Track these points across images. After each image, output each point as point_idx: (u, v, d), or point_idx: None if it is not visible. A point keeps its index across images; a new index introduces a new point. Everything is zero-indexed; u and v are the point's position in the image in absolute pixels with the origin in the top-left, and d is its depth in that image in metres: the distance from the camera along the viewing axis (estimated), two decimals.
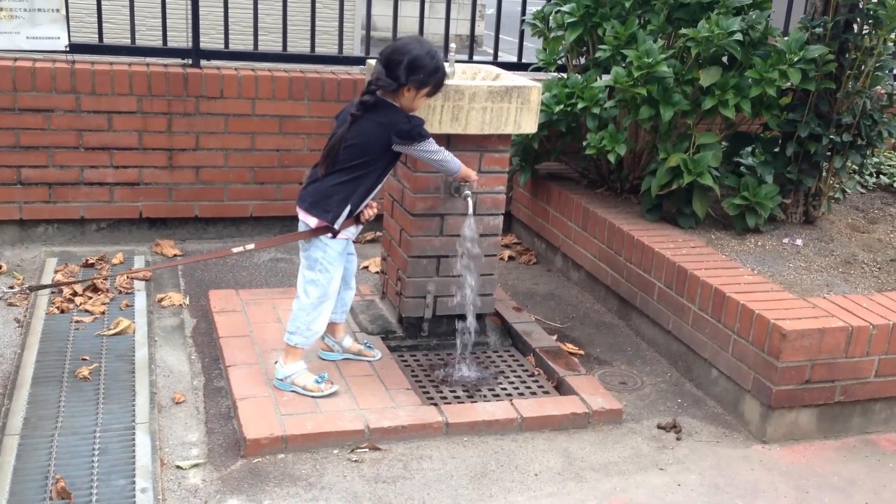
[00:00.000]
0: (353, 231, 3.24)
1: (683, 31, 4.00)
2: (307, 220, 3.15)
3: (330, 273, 3.18)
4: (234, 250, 3.26)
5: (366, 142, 3.07)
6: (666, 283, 3.70)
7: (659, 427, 3.27)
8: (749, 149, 4.41)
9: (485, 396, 3.35)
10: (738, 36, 3.89)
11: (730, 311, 3.33)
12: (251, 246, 3.29)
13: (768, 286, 3.48)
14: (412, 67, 3.03)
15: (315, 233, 3.14)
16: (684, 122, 4.16)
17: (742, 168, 4.34)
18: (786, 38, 4.00)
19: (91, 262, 4.26)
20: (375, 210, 3.25)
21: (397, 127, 3.06)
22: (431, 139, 3.15)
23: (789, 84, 3.94)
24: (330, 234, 3.14)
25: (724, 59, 4.11)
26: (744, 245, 3.97)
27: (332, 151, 3.09)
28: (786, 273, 3.68)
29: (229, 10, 4.82)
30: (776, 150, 4.24)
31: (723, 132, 4.35)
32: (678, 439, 3.20)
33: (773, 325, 3.13)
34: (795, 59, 3.87)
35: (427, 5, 5.20)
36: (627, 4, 4.26)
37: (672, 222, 4.13)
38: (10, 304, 3.79)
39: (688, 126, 4.14)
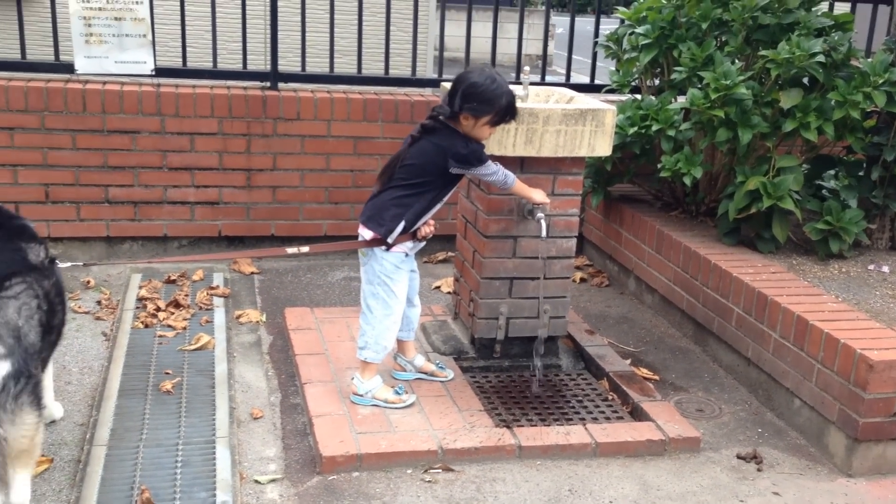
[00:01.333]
0: (409, 246, 3.27)
1: (763, 52, 3.94)
2: (363, 233, 3.23)
3: (388, 286, 3.22)
4: (289, 250, 3.32)
5: (423, 162, 3.13)
6: (745, 308, 3.63)
7: (739, 457, 3.19)
8: (832, 172, 4.31)
9: (558, 420, 3.33)
10: (821, 58, 3.81)
11: (813, 340, 3.25)
12: (305, 248, 3.34)
13: (853, 314, 3.38)
14: (466, 95, 3.05)
15: (368, 244, 3.20)
16: (763, 144, 4.09)
17: (824, 192, 4.24)
18: (869, 60, 3.91)
19: (173, 278, 4.38)
20: (433, 229, 3.28)
21: (454, 150, 3.10)
22: (490, 162, 3.18)
23: (874, 106, 3.84)
24: (384, 247, 3.19)
25: (805, 81, 4.04)
26: (827, 271, 3.87)
27: (388, 168, 3.18)
28: (872, 301, 3.58)
29: (307, 34, 4.93)
30: (860, 173, 4.13)
31: (804, 155, 4.26)
32: (759, 470, 3.13)
33: (860, 354, 3.04)
34: (880, 82, 3.78)
35: (498, 26, 5.23)
36: (704, 26, 4.22)
37: (750, 247, 4.06)
38: (98, 318, 3.92)
39: (767, 149, 4.07)
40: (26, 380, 2.34)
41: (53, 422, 3.11)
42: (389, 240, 3.16)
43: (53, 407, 3.10)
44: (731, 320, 3.73)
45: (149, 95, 4.46)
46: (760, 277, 3.69)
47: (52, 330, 2.65)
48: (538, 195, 3.35)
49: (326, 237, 4.89)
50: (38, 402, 2.38)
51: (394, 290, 3.23)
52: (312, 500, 2.79)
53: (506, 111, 3.09)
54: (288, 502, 2.77)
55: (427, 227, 3.26)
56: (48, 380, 2.92)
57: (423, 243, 3.32)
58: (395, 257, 3.23)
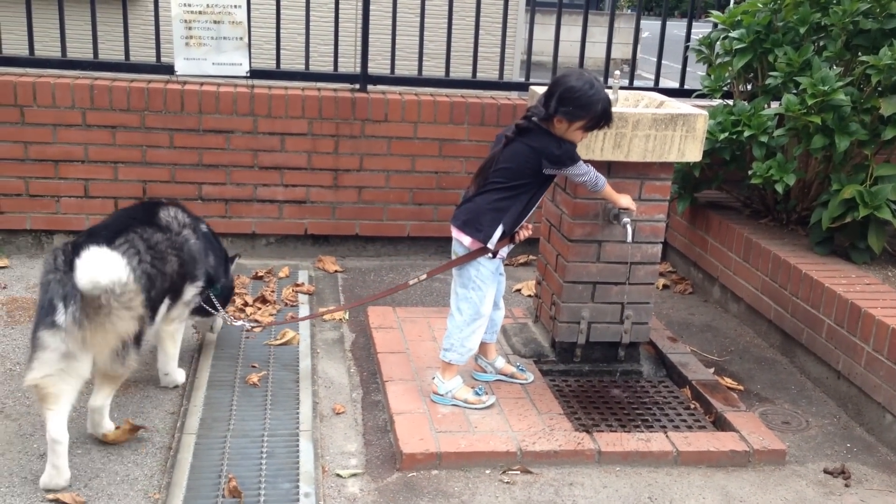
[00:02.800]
0: (504, 251, 3.28)
1: (863, 57, 3.82)
2: (460, 238, 3.23)
3: (483, 291, 3.23)
4: (411, 283, 3.47)
5: (518, 164, 3.12)
6: (836, 320, 3.53)
7: (826, 472, 3.11)
8: None
9: (638, 427, 3.30)
10: None
11: None
12: (424, 276, 3.44)
13: None
14: (562, 99, 3.03)
15: (474, 256, 3.21)
16: (860, 152, 3.96)
17: None
18: None
19: (260, 274, 4.51)
20: (529, 232, 3.28)
21: (548, 151, 3.09)
22: (581, 162, 3.16)
23: None
24: (489, 255, 3.20)
25: None
26: None
27: (483, 170, 3.18)
28: None
29: (396, 37, 5.00)
30: None
31: None
32: (847, 486, 3.03)
33: None
34: None
35: (587, 30, 5.20)
36: (802, 30, 4.11)
37: (844, 257, 3.93)
38: None
39: (864, 157, 3.94)
40: None
41: (176, 387, 3.38)
42: (490, 245, 3.17)
43: (177, 373, 3.39)
44: (821, 332, 3.63)
45: (243, 96, 4.60)
46: (854, 289, 3.57)
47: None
48: (625, 200, 3.33)
49: (409, 238, 4.95)
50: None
51: (487, 294, 3.25)
52: (392, 496, 2.84)
53: (601, 117, 3.07)
54: (368, 497, 2.83)
55: (525, 230, 3.27)
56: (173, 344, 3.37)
57: (513, 247, 3.33)
58: (494, 264, 3.24)
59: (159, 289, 3.08)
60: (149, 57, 5.00)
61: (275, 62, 4.94)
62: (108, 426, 3.00)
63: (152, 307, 3.03)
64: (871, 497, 2.98)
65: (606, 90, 3.47)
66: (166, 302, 3.17)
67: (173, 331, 3.33)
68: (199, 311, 3.44)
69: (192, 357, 3.63)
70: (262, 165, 4.71)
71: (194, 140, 4.62)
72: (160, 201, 3.40)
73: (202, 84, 4.65)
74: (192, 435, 3.05)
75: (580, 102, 3.02)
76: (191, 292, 3.31)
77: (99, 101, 4.49)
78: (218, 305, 3.46)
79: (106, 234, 2.95)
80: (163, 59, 4.84)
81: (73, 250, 2.74)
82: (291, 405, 3.29)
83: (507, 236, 3.21)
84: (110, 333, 2.69)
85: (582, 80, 3.04)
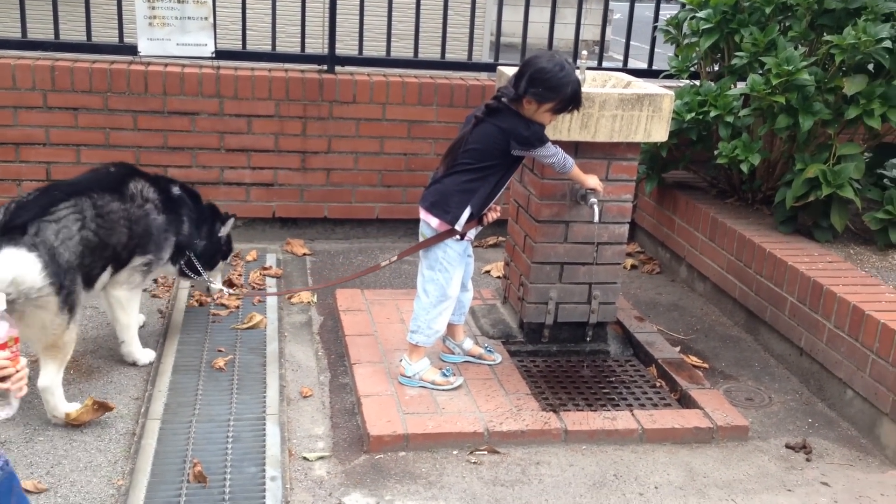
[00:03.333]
0: (472, 233, 3.28)
1: (827, 37, 3.84)
2: (428, 220, 3.22)
3: (449, 273, 3.23)
4: (383, 264, 3.49)
5: (486, 145, 3.11)
6: (799, 298, 3.57)
7: (787, 447, 3.15)
8: (894, 161, 4.19)
9: (605, 406, 3.32)
10: (887, 43, 3.70)
11: (869, 330, 3.18)
12: (394, 258, 3.45)
13: None
14: (532, 80, 3.03)
15: (441, 237, 3.20)
16: (824, 131, 3.99)
17: (886, 181, 4.13)
18: None
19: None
20: (498, 214, 3.28)
21: (516, 132, 3.08)
22: (549, 143, 3.16)
23: None
24: (457, 237, 3.19)
25: (871, 67, 3.93)
26: (885, 261, 3.77)
27: (452, 151, 3.17)
28: None
29: (364, 18, 4.96)
30: None
31: (866, 143, 4.15)
32: (808, 460, 3.08)
33: None
34: None
35: (556, 11, 5.19)
36: (768, 10, 4.13)
37: (807, 235, 3.98)
38: (154, 296, 4.03)
39: (828, 136, 3.97)
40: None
41: (135, 363, 3.41)
42: (457, 227, 3.17)
43: (135, 348, 3.39)
44: (784, 309, 3.67)
45: (208, 78, 4.54)
46: (816, 266, 3.62)
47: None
48: (592, 180, 3.33)
49: (378, 220, 4.93)
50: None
51: (453, 276, 3.25)
52: (359, 478, 2.84)
53: (570, 100, 3.06)
54: (335, 479, 2.83)
55: (493, 212, 3.26)
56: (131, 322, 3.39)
57: (481, 229, 3.33)
58: (461, 245, 3.24)
59: (99, 257, 3.10)
60: (111, 37, 4.93)
61: (241, 42, 4.88)
62: (67, 406, 2.98)
63: (87, 275, 3.07)
64: (831, 471, 3.03)
65: (578, 81, 3.47)
66: (109, 270, 3.20)
67: (122, 298, 3.31)
68: (183, 274, 3.56)
69: (157, 342, 3.60)
70: (229, 148, 4.67)
71: (159, 122, 4.56)
72: (134, 169, 3.41)
73: (166, 65, 4.59)
74: (157, 420, 3.03)
75: (550, 84, 3.01)
76: (140, 264, 3.31)
77: (60, 82, 4.42)
78: (198, 268, 3.54)
79: (36, 210, 2.94)
80: (126, 40, 4.76)
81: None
82: (258, 389, 3.28)
83: (476, 218, 3.21)
84: (29, 325, 2.80)
85: (553, 61, 3.04)
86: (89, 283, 3.12)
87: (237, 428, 3.02)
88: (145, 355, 3.41)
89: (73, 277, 2.95)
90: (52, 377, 2.94)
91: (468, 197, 3.15)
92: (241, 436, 2.98)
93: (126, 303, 3.34)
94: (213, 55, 4.63)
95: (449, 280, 3.24)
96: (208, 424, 3.03)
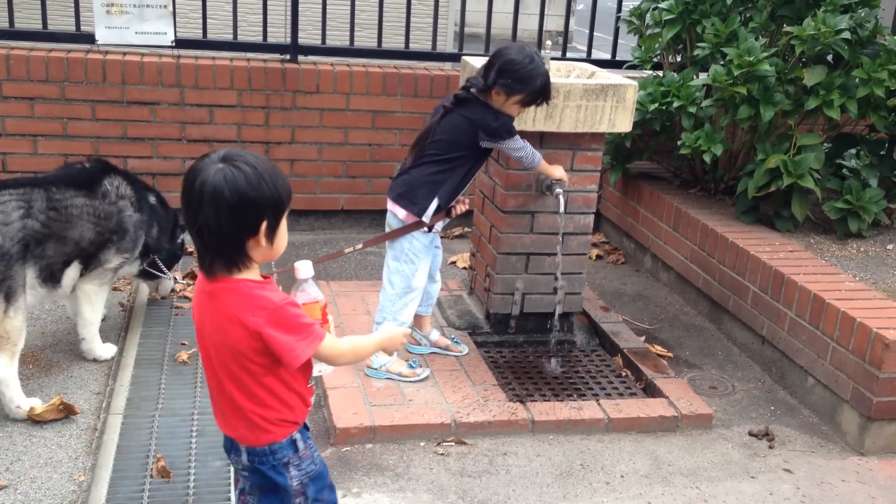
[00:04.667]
0: (439, 225, 3.27)
1: (787, 28, 3.89)
2: (395, 210, 3.20)
3: (415, 265, 3.22)
4: (346, 251, 3.43)
5: (454, 136, 3.10)
6: (761, 287, 3.61)
7: (751, 434, 3.19)
8: (853, 151, 4.26)
9: (571, 396, 3.34)
10: (846, 34, 3.75)
11: (829, 319, 3.23)
12: (360, 246, 3.41)
13: (871, 293, 3.36)
14: (502, 71, 3.02)
15: (409, 229, 3.18)
16: (785, 122, 4.04)
17: (845, 171, 4.19)
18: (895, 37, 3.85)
19: (190, 250, 4.40)
20: (466, 206, 3.27)
21: (485, 123, 3.07)
22: (518, 137, 3.16)
23: None
24: (425, 229, 3.18)
25: (830, 58, 3.98)
26: (845, 250, 3.83)
27: (420, 141, 3.15)
28: (890, 280, 3.54)
29: (327, 7, 4.91)
30: (882, 152, 4.08)
31: (826, 133, 4.21)
32: (770, 447, 3.12)
33: (876, 333, 3.02)
34: None
35: (520, 1, 5.19)
36: (729, 1, 4.16)
37: (769, 225, 4.02)
38: (115, 289, 3.96)
39: (788, 126, 4.02)
40: None
41: (96, 359, 3.35)
42: (424, 218, 3.15)
43: (97, 344, 3.35)
44: (746, 298, 3.71)
45: (168, 67, 4.47)
46: (777, 256, 3.66)
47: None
48: (558, 171, 3.34)
49: (343, 211, 4.90)
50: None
51: (419, 267, 3.24)
52: None
53: (539, 93, 3.06)
54: None
55: (461, 204, 3.25)
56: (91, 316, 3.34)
57: (449, 221, 3.32)
58: (428, 237, 3.22)
59: (56, 251, 3.05)
60: (68, 25, 4.81)
61: (201, 31, 4.80)
62: (30, 400, 2.92)
63: (45, 267, 3.03)
64: (793, 458, 3.08)
65: (546, 74, 3.47)
66: (76, 266, 3.15)
67: (90, 291, 3.27)
68: (144, 274, 3.59)
69: (118, 335, 3.54)
70: (191, 138, 4.60)
71: (118, 112, 4.47)
72: (114, 169, 3.38)
73: (125, 54, 4.50)
74: (119, 415, 2.98)
75: (519, 76, 3.01)
76: (114, 261, 3.29)
77: (16, 71, 4.31)
78: (163, 268, 3.60)
79: None
80: (83, 28, 4.65)
81: None
82: None
83: (443, 210, 3.20)
84: None
85: (522, 53, 3.03)
86: (52, 277, 3.07)
87: (202, 422, 2.98)
88: (106, 350, 3.35)
89: (7, 263, 2.87)
90: (4, 369, 2.88)
91: (436, 188, 3.14)
92: (205, 430, 2.94)
93: (94, 297, 3.28)
94: (173, 44, 4.56)
95: (414, 271, 3.23)
96: (172, 419, 2.99)
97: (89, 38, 4.50)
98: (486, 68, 3.06)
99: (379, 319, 3.27)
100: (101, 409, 3.03)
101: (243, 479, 2.01)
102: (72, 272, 3.15)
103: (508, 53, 3.04)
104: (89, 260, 3.20)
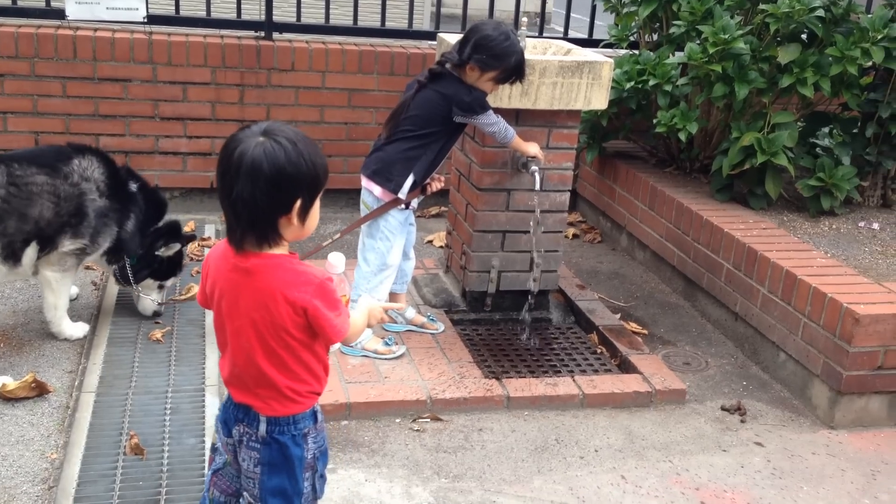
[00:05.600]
0: (414, 202, 3.26)
1: (762, 6, 3.89)
2: (370, 187, 3.19)
3: (390, 242, 3.22)
4: (325, 244, 3.39)
5: (428, 111, 3.10)
6: (735, 264, 3.64)
7: (723, 409, 3.23)
8: (826, 129, 4.29)
9: (546, 372, 3.35)
10: (820, 12, 3.77)
11: (801, 295, 3.26)
12: (337, 235, 3.40)
13: (842, 270, 3.39)
14: (477, 46, 3.02)
15: (386, 208, 3.17)
16: (759, 100, 4.06)
17: (818, 149, 4.22)
18: (869, 16, 3.87)
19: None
20: (441, 183, 3.27)
21: (458, 98, 3.07)
22: (491, 111, 3.15)
23: (871, 63, 3.81)
24: (402, 206, 3.17)
25: (804, 36, 4.00)
26: (817, 228, 3.87)
27: (395, 116, 3.15)
28: (861, 257, 3.58)
29: None
30: (855, 130, 4.11)
31: (800, 111, 4.24)
32: (742, 421, 3.16)
33: (846, 309, 3.05)
34: (879, 37, 3.74)
35: None
36: None
37: (743, 203, 4.05)
38: (88, 268, 3.91)
39: (763, 105, 4.04)
40: None
41: (66, 339, 3.30)
42: (401, 195, 3.14)
43: (64, 324, 3.29)
44: (720, 275, 3.74)
45: (140, 43, 4.41)
46: (751, 233, 3.69)
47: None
48: (533, 148, 3.34)
49: None
50: None
51: (394, 245, 3.23)
52: None
53: (513, 70, 3.06)
54: None
55: (436, 181, 3.24)
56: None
57: (423, 198, 3.31)
58: (403, 214, 3.22)
59: (16, 228, 3.00)
60: (38, 1, 4.74)
61: (174, 7, 4.74)
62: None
63: (10, 246, 3.00)
64: (764, 432, 3.11)
65: (521, 50, 3.46)
66: (34, 246, 3.08)
67: (51, 279, 3.19)
68: (119, 277, 3.41)
69: (91, 314, 3.51)
70: (164, 116, 4.54)
71: (89, 89, 4.41)
72: (90, 150, 3.26)
73: (96, 30, 4.43)
74: (92, 393, 2.95)
75: (494, 52, 3.01)
76: (68, 246, 3.16)
77: None
78: (130, 277, 3.35)
79: None
80: (53, 3, 4.58)
81: None
82: (197, 360, 3.22)
83: (419, 186, 3.19)
84: None
85: (499, 30, 3.04)
86: (14, 255, 3.03)
87: (175, 399, 2.97)
88: (77, 329, 3.31)
89: None
90: None
91: (411, 164, 3.13)
92: (179, 407, 2.93)
93: (55, 284, 3.20)
94: (145, 20, 4.49)
95: (389, 248, 3.22)
96: (145, 396, 2.97)
97: (59, 14, 4.42)
98: (462, 43, 3.06)
99: (354, 297, 3.26)
100: (73, 388, 3.01)
101: (249, 454, 1.93)
102: (31, 252, 3.09)
103: (484, 29, 3.03)
104: (46, 242, 3.10)
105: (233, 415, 1.95)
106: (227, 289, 1.87)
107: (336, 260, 1.97)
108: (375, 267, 3.23)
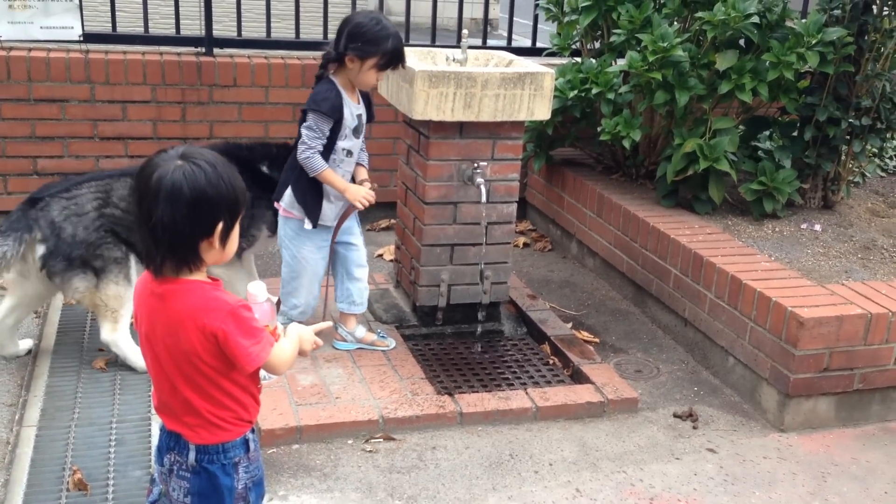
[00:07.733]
0: (329, 216, 3.24)
1: (699, 14, 3.94)
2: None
3: (291, 251, 3.26)
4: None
5: (302, 118, 3.12)
6: (682, 270, 3.67)
7: (675, 416, 3.25)
8: (766, 133, 4.36)
9: (499, 386, 3.34)
10: (755, 19, 3.83)
11: (746, 299, 3.30)
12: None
13: (786, 273, 3.44)
14: (351, 36, 3.01)
15: (345, 217, 3.26)
16: (700, 106, 4.11)
17: (759, 153, 4.29)
18: (803, 21, 3.94)
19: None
20: (366, 199, 3.16)
21: (310, 96, 3.09)
22: (315, 118, 3.06)
23: (807, 67, 3.88)
24: (307, 224, 3.20)
25: (741, 42, 4.06)
26: (761, 231, 3.92)
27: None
28: (804, 259, 3.64)
29: None
30: (794, 134, 4.18)
31: (739, 117, 4.30)
32: (694, 428, 3.18)
33: (791, 312, 3.10)
34: (814, 42, 3.81)
35: None
36: None
37: (688, 208, 4.09)
38: None
39: (704, 111, 4.09)
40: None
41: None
42: (283, 203, 3.20)
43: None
44: (668, 282, 3.77)
45: (77, 62, 4.30)
46: (697, 238, 3.73)
47: None
48: (349, 193, 3.15)
49: None
50: None
51: (296, 254, 3.27)
52: None
53: (392, 55, 3.03)
54: None
55: (365, 196, 3.18)
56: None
57: (351, 215, 3.30)
58: (290, 224, 3.24)
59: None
60: None
61: (111, 25, 4.64)
62: None
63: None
64: (717, 437, 3.14)
65: (455, 50, 3.45)
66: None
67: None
68: None
69: (32, 344, 3.40)
70: (104, 136, 4.45)
71: (25, 111, 4.30)
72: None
73: (30, 50, 4.32)
74: (33, 427, 2.87)
75: (367, 38, 3.00)
76: None
77: None
78: None
79: None
80: None
81: None
82: (142, 388, 3.15)
83: (306, 203, 3.16)
84: None
85: (369, 17, 3.05)
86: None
87: (120, 430, 2.90)
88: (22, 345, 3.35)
89: (87, 247, 3.06)
90: (107, 334, 3.11)
91: (290, 174, 3.20)
92: (124, 438, 2.86)
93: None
94: (81, 38, 4.39)
95: (293, 257, 3.27)
96: (89, 428, 2.89)
97: None
98: (337, 37, 3.06)
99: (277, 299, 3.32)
100: (13, 422, 2.91)
101: (178, 483, 1.90)
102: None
103: (355, 18, 3.07)
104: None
105: (165, 443, 1.92)
106: (145, 315, 1.84)
107: (256, 289, 1.92)
108: (287, 275, 3.33)
